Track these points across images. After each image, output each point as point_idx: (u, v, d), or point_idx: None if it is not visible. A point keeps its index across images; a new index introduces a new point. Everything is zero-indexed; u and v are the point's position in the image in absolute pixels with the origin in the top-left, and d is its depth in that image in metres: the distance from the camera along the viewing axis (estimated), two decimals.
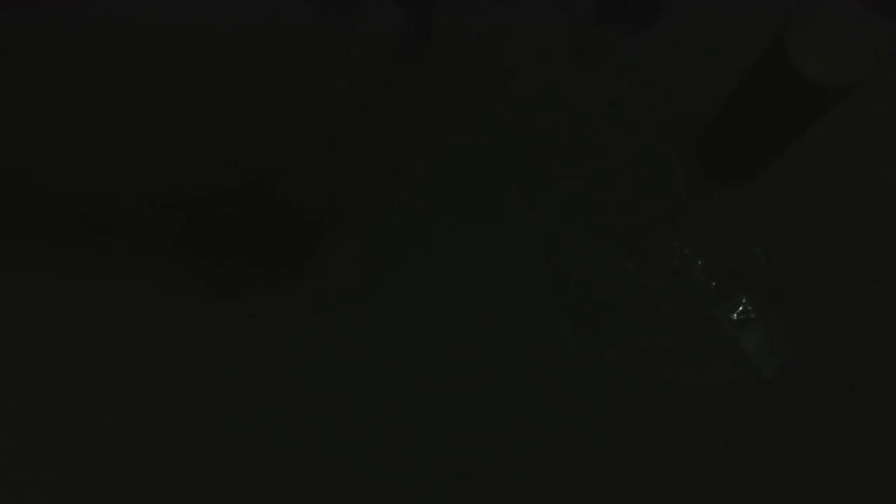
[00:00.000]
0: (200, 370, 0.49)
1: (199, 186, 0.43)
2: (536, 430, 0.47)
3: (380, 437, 0.47)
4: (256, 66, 0.53)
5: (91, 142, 0.51)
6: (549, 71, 0.55)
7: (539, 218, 0.52)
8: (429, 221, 0.52)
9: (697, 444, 0.47)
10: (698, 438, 0.47)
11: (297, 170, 0.44)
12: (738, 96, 0.44)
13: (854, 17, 0.36)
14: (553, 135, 0.53)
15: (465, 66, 0.54)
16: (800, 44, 0.36)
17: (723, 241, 0.51)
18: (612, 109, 0.53)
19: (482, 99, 0.54)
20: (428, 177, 0.53)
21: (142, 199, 0.42)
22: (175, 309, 0.49)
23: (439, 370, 0.49)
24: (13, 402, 0.47)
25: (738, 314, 0.49)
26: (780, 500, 0.46)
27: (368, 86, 0.44)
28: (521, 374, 0.49)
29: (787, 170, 0.51)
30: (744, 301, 0.49)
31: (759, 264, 0.50)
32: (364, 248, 0.51)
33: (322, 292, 0.50)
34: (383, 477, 0.47)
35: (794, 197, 0.51)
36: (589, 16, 0.53)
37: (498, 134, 0.54)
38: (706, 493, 0.46)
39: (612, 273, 0.50)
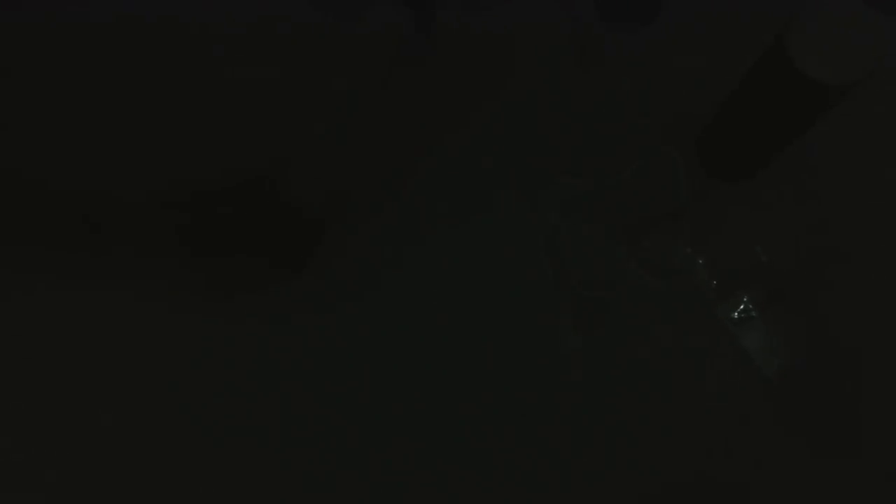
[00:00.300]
0: (200, 370, 0.49)
1: (198, 186, 0.44)
2: (537, 429, 0.47)
3: (380, 437, 0.47)
4: (255, 66, 0.53)
5: (91, 141, 0.51)
6: (549, 70, 0.55)
7: (539, 217, 0.52)
8: (429, 221, 0.52)
9: (697, 444, 0.47)
10: (698, 438, 0.47)
11: (298, 169, 0.44)
12: (739, 94, 0.44)
13: (856, 15, 0.36)
14: (554, 134, 0.53)
15: (465, 65, 0.54)
16: (801, 41, 0.36)
17: (724, 240, 0.51)
18: (613, 108, 0.53)
19: (483, 98, 0.54)
20: (428, 176, 0.53)
21: (142, 199, 0.42)
22: (175, 309, 0.49)
23: (439, 370, 0.49)
24: (13, 402, 0.48)
25: (739, 313, 0.49)
26: (780, 500, 0.46)
27: (368, 85, 0.44)
28: (522, 373, 0.49)
29: (788, 169, 0.51)
30: (745, 300, 0.49)
31: (760, 263, 0.50)
32: (364, 248, 0.51)
33: (322, 292, 0.50)
34: (383, 477, 0.47)
35: (795, 196, 0.51)
36: (590, 15, 0.53)
37: (498, 133, 0.54)
38: (706, 493, 0.46)
39: (613, 272, 0.50)
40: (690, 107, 0.52)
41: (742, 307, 0.49)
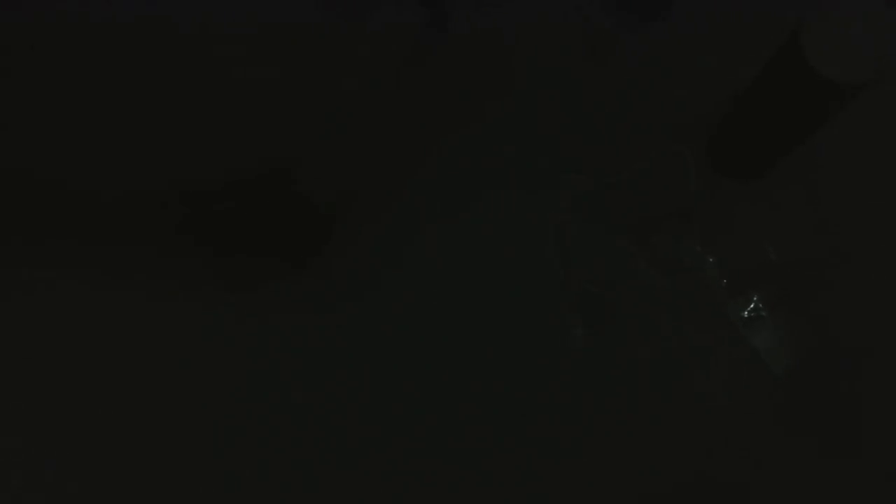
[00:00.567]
0: (200, 370, 0.49)
1: (203, 184, 0.44)
2: (538, 430, 0.47)
3: (380, 438, 0.48)
4: (264, 66, 0.53)
5: (96, 140, 0.51)
6: (559, 68, 0.54)
7: (548, 215, 0.51)
8: (435, 219, 0.51)
9: (698, 443, 0.47)
10: (699, 438, 0.47)
11: (304, 168, 0.44)
12: (751, 92, 0.43)
13: (871, 14, 0.35)
14: (564, 131, 0.53)
15: (473, 62, 0.54)
16: (815, 39, 0.35)
17: (734, 239, 0.50)
18: (623, 106, 0.53)
19: (491, 96, 0.53)
20: (435, 174, 0.52)
21: (148, 197, 0.42)
22: (177, 307, 0.49)
23: (440, 370, 0.49)
24: (14, 402, 0.48)
25: (749, 312, 0.49)
26: (780, 500, 0.46)
27: (377, 84, 0.44)
28: (524, 373, 0.48)
29: (798, 168, 0.50)
30: (755, 299, 0.49)
31: (770, 262, 0.50)
32: (366, 247, 0.51)
33: (323, 292, 0.50)
34: (384, 477, 0.47)
35: (805, 195, 0.50)
36: (600, 13, 0.52)
37: (506, 131, 0.53)
38: (707, 493, 0.46)
39: (620, 271, 0.50)
40: (700, 105, 0.51)
41: (752, 305, 0.49)
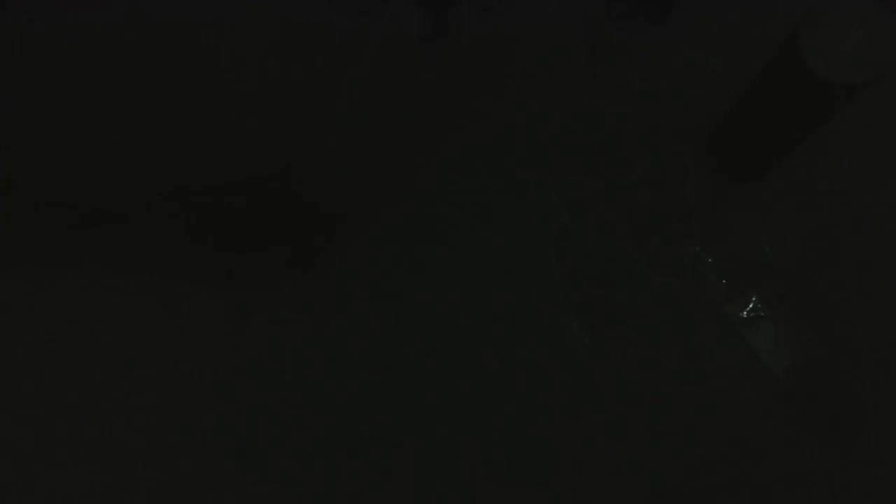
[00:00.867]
0: (200, 369, 0.49)
1: (209, 182, 0.44)
2: (540, 430, 0.47)
3: (380, 438, 0.47)
4: (265, 66, 0.53)
5: (96, 140, 0.52)
6: (560, 69, 0.54)
7: (550, 217, 0.52)
8: (436, 220, 0.51)
9: (698, 444, 0.47)
10: (699, 438, 0.47)
11: (309, 168, 0.44)
12: (750, 94, 0.44)
13: (869, 16, 0.36)
14: (565, 133, 0.53)
15: (476, 64, 0.54)
16: (813, 41, 0.35)
17: (734, 240, 0.51)
18: (624, 108, 0.53)
19: (494, 98, 0.53)
20: (436, 176, 0.52)
21: (152, 194, 0.42)
22: (177, 305, 0.49)
23: (444, 370, 0.49)
24: (13, 401, 0.48)
25: (748, 312, 0.49)
26: (781, 499, 0.46)
27: (381, 86, 0.44)
28: (525, 374, 0.49)
29: (798, 169, 0.50)
30: (754, 299, 0.49)
31: (769, 263, 0.50)
32: (371, 248, 0.51)
33: (323, 292, 0.50)
34: (389, 478, 0.47)
35: (804, 196, 0.51)
36: (600, 14, 0.52)
37: (510, 132, 0.53)
38: (706, 493, 0.46)
39: (623, 271, 0.50)
40: (701, 105, 0.51)
41: (751, 306, 0.49)
